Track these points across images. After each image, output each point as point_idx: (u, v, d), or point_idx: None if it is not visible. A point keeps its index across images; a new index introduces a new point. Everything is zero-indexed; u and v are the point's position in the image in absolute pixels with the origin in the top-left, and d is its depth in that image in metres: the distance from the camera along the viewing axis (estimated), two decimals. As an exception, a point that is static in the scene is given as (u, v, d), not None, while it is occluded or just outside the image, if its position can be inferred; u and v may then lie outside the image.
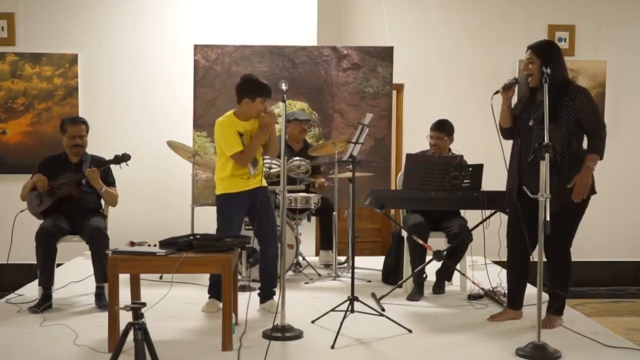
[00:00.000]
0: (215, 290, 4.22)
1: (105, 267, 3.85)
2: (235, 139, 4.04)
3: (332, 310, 3.88)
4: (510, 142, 3.94)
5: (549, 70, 3.40)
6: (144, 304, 2.71)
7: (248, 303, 3.79)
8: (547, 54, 3.67)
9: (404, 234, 4.67)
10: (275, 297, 4.26)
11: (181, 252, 3.39)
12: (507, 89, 3.76)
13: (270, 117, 4.04)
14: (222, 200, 4.14)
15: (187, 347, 3.44)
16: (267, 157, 5.04)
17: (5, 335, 3.64)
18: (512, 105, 3.89)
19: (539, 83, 3.67)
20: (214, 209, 4.26)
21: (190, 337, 3.64)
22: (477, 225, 4.34)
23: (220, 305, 4.15)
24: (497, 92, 3.76)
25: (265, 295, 4.25)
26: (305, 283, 5.03)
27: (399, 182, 4.98)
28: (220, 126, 4.07)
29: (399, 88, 6.80)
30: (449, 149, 4.86)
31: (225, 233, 4.05)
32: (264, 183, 4.28)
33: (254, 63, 6.05)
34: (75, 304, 4.37)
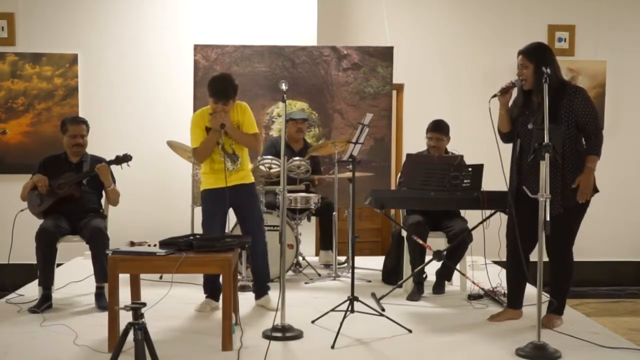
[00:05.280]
0: (210, 289, 4.23)
1: (105, 267, 3.85)
2: (197, 134, 4.11)
3: (332, 310, 3.88)
4: (509, 144, 3.94)
5: (548, 70, 3.40)
6: (144, 304, 2.72)
7: (237, 303, 3.79)
8: (539, 56, 3.65)
9: (404, 234, 4.67)
10: (270, 293, 4.29)
11: (181, 252, 3.39)
12: (504, 92, 3.75)
13: (213, 117, 4.00)
14: (203, 196, 4.22)
15: (187, 347, 3.44)
16: (268, 157, 5.07)
17: (5, 335, 3.64)
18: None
19: (533, 86, 3.68)
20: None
21: (190, 337, 3.64)
22: (477, 225, 4.35)
23: (215, 304, 4.18)
24: (494, 96, 3.75)
25: (260, 291, 4.29)
26: (305, 283, 5.03)
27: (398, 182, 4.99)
28: (192, 118, 4.21)
29: (399, 88, 6.80)
30: (446, 149, 4.86)
31: (207, 228, 4.12)
32: (250, 179, 4.28)
33: (254, 63, 6.05)
34: (75, 304, 4.37)
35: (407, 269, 4.70)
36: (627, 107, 6.81)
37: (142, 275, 3.83)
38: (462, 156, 4.50)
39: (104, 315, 3.56)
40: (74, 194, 4.40)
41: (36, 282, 4.31)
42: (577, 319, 4.03)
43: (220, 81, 4.04)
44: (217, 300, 4.20)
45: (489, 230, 4.24)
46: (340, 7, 6.74)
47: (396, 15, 6.66)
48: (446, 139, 4.80)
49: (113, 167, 4.52)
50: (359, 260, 5.86)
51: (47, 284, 4.24)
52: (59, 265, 4.52)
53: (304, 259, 5.50)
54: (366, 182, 5.54)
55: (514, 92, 3.84)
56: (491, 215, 4.31)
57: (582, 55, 6.73)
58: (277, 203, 5.14)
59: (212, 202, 4.16)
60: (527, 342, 3.34)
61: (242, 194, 4.18)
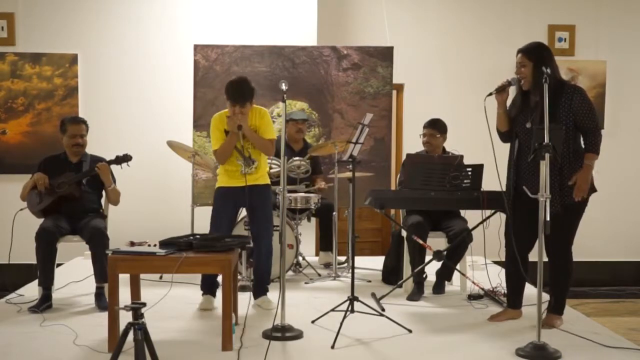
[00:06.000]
0: (207, 287, 4.26)
1: (105, 267, 3.85)
2: (217, 136, 4.17)
3: (332, 310, 3.88)
4: (505, 144, 3.94)
5: (548, 70, 3.40)
6: (144, 304, 2.71)
7: (248, 303, 3.79)
8: (538, 56, 3.66)
9: (404, 234, 4.67)
10: (269, 294, 4.31)
11: (181, 252, 3.39)
12: (500, 91, 3.76)
13: (230, 120, 4.06)
14: (216, 193, 4.29)
15: (187, 347, 3.44)
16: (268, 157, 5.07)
17: (5, 335, 3.64)
18: (507, 108, 3.88)
19: (532, 85, 3.68)
20: (213, 208, 4.29)
21: (190, 337, 3.64)
22: (477, 225, 4.35)
23: (214, 300, 4.18)
24: (490, 94, 3.76)
25: (259, 291, 4.30)
26: (305, 283, 5.03)
27: (398, 182, 4.98)
28: (211, 121, 4.26)
29: (399, 88, 6.80)
30: (443, 148, 4.86)
31: (215, 224, 4.17)
32: (265, 181, 4.29)
33: (254, 63, 6.05)
34: (75, 304, 4.37)
35: (407, 269, 4.70)
36: (627, 107, 6.81)
37: (142, 275, 3.83)
38: (462, 156, 4.49)
39: (104, 315, 3.56)
40: (73, 193, 4.40)
41: (36, 282, 4.30)
42: (577, 319, 4.03)
43: (237, 84, 4.08)
44: (214, 295, 4.22)
45: (489, 230, 4.24)
46: (340, 7, 6.74)
47: (396, 15, 6.66)
48: (441, 137, 4.79)
49: (113, 167, 4.52)
50: (359, 260, 5.86)
51: (47, 284, 4.23)
52: (59, 265, 4.51)
53: (304, 259, 5.51)
54: (366, 182, 5.54)
55: (512, 92, 3.84)
56: (491, 215, 4.30)
57: (582, 55, 6.73)
58: (277, 203, 5.14)
59: (224, 200, 4.22)
60: (527, 342, 3.34)
61: (254, 195, 4.19)
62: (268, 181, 4.36)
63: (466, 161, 4.44)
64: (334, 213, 5.36)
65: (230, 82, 4.13)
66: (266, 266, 4.29)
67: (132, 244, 3.55)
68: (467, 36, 6.73)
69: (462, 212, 4.78)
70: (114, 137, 6.08)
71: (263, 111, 4.23)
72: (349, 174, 4.42)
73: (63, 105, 6.37)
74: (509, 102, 3.86)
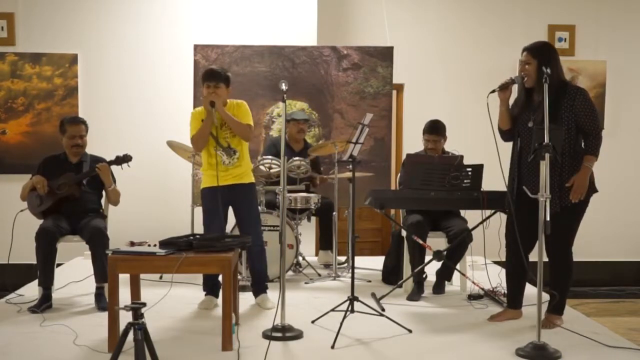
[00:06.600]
0: (209, 287, 4.26)
1: (105, 267, 3.86)
2: (195, 126, 4.18)
3: (332, 310, 3.88)
4: (507, 143, 3.94)
5: (548, 70, 3.40)
6: (144, 304, 2.72)
7: (238, 303, 3.78)
8: (543, 55, 3.67)
9: (404, 233, 4.67)
10: (268, 292, 4.32)
11: (181, 252, 3.39)
12: (503, 89, 3.76)
13: (205, 99, 4.10)
14: (202, 194, 4.29)
15: (187, 347, 3.44)
16: (268, 157, 5.08)
17: (5, 335, 3.63)
18: (510, 107, 3.88)
19: (535, 84, 3.68)
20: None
21: (190, 337, 3.64)
22: (477, 225, 4.35)
23: (217, 301, 4.19)
24: (493, 91, 3.75)
25: (258, 290, 4.32)
26: (305, 283, 5.03)
27: (399, 182, 4.99)
28: (191, 114, 4.26)
29: (399, 88, 6.80)
30: (443, 148, 4.86)
31: (207, 226, 4.18)
32: (249, 179, 4.30)
33: (254, 63, 6.05)
34: (75, 304, 4.37)
35: (407, 269, 4.70)
36: (627, 107, 6.81)
37: (142, 275, 3.83)
38: (462, 156, 4.50)
39: (104, 315, 3.56)
40: (74, 194, 4.40)
41: (36, 282, 4.30)
42: (577, 319, 4.03)
43: (211, 69, 4.20)
44: (217, 296, 4.22)
45: (489, 230, 4.24)
46: (340, 7, 6.74)
47: (396, 15, 6.66)
48: (443, 140, 4.79)
49: (113, 167, 4.52)
50: (359, 260, 5.86)
51: (47, 284, 4.23)
52: (59, 265, 4.52)
53: (304, 259, 5.51)
54: (366, 182, 5.55)
55: (514, 91, 3.84)
56: (491, 215, 4.31)
57: (582, 55, 6.74)
58: (277, 203, 5.14)
59: (210, 201, 4.20)
60: (527, 342, 3.34)
61: (240, 194, 4.21)
62: (252, 179, 4.34)
63: (466, 161, 4.44)
64: (334, 213, 5.36)
65: (205, 69, 4.23)
66: (260, 264, 4.30)
67: (132, 244, 3.55)
68: (467, 36, 6.73)
69: (462, 212, 4.78)
70: (114, 137, 6.08)
71: (240, 102, 4.26)
72: (349, 174, 4.42)
73: (63, 105, 6.37)
74: (511, 101, 3.87)
